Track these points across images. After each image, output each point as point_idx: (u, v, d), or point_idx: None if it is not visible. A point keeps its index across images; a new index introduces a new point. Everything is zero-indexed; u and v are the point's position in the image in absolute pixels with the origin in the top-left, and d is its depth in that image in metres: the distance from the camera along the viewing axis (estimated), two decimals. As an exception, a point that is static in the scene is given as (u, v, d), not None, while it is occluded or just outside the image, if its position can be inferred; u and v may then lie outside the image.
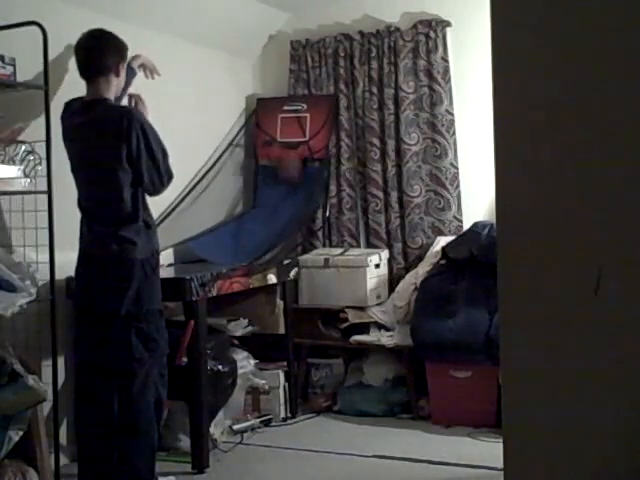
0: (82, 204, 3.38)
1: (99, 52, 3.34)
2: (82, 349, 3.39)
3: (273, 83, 5.32)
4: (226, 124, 5.13)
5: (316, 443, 4.12)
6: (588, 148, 1.56)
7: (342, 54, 5.05)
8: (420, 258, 4.85)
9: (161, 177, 3.34)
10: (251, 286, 4.29)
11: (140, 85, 4.41)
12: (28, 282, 3.30)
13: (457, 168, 4.85)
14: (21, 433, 3.19)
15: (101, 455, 3.28)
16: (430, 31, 4.83)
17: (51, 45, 3.41)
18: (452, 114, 4.84)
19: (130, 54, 4.36)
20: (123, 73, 3.45)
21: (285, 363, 4.63)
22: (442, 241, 4.71)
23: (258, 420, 4.39)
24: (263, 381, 4.45)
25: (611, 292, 1.53)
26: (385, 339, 4.59)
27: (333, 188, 5.09)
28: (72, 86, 3.87)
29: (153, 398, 3.34)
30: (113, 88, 3.39)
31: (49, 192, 3.41)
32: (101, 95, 3.34)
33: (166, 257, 4.32)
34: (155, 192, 3.38)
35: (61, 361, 3.74)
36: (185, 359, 3.75)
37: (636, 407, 1.53)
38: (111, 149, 3.23)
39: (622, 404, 1.55)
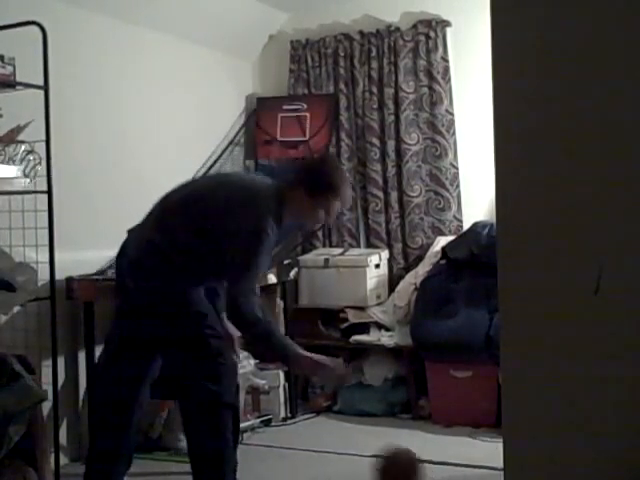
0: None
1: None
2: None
3: (273, 83, 5.32)
4: (226, 123, 5.13)
5: (316, 443, 4.12)
6: (588, 148, 1.56)
7: (342, 54, 5.05)
8: (420, 258, 4.85)
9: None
10: (251, 286, 4.28)
11: (140, 83, 4.43)
12: (28, 282, 3.30)
13: (457, 168, 4.85)
14: (21, 433, 3.18)
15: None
16: (430, 31, 4.83)
17: (51, 45, 3.40)
18: (452, 114, 4.84)
19: (130, 54, 4.38)
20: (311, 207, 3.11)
21: (285, 363, 4.63)
22: (442, 241, 4.71)
23: (258, 420, 4.39)
24: (263, 381, 4.45)
25: (611, 292, 1.53)
26: (385, 339, 4.59)
27: (333, 188, 5.09)
28: (72, 86, 3.89)
29: None
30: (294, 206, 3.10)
31: (49, 192, 3.41)
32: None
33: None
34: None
35: (61, 361, 3.74)
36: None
37: (637, 407, 1.53)
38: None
39: (622, 404, 1.55)
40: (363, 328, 4.68)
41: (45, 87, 3.40)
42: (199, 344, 3.02)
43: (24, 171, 3.37)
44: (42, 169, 3.39)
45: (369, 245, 5.06)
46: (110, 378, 3.16)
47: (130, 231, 3.13)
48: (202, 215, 3.01)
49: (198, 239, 2.98)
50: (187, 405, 3.10)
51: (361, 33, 5.01)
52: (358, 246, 5.07)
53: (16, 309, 3.46)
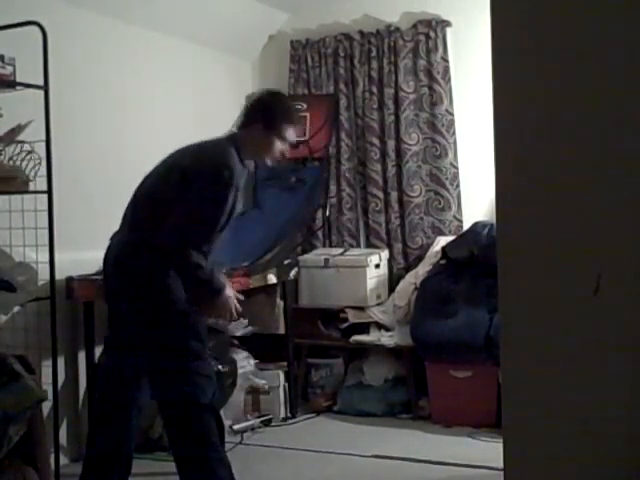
0: None
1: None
2: None
3: (273, 83, 5.31)
4: (226, 123, 5.12)
5: (316, 443, 4.12)
6: (588, 148, 1.56)
7: (342, 54, 5.05)
8: (420, 258, 4.86)
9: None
10: (251, 286, 4.29)
11: (140, 83, 4.43)
12: (28, 282, 3.30)
13: (457, 168, 4.85)
14: (21, 433, 3.18)
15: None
16: (430, 31, 4.83)
17: (51, 45, 3.40)
18: (452, 114, 4.84)
19: (130, 54, 4.38)
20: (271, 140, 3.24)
21: (285, 363, 4.63)
22: (442, 241, 4.71)
23: (258, 420, 4.39)
24: (263, 381, 4.45)
25: (611, 292, 1.53)
26: (385, 339, 4.59)
27: (333, 188, 5.10)
28: (72, 86, 3.89)
29: None
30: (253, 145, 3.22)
31: (49, 192, 3.41)
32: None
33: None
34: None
35: (61, 361, 3.74)
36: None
37: (637, 407, 1.53)
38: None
39: (622, 404, 1.55)
40: (363, 328, 4.68)
41: (45, 87, 3.40)
42: (177, 344, 2.98)
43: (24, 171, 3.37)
44: (42, 169, 3.40)
45: (369, 245, 5.06)
46: (106, 379, 3.17)
47: (112, 237, 3.15)
48: (170, 184, 3.04)
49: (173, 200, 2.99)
50: (163, 408, 3.07)
51: (361, 33, 5.01)
52: (358, 246, 5.07)
53: (16, 309, 3.46)
